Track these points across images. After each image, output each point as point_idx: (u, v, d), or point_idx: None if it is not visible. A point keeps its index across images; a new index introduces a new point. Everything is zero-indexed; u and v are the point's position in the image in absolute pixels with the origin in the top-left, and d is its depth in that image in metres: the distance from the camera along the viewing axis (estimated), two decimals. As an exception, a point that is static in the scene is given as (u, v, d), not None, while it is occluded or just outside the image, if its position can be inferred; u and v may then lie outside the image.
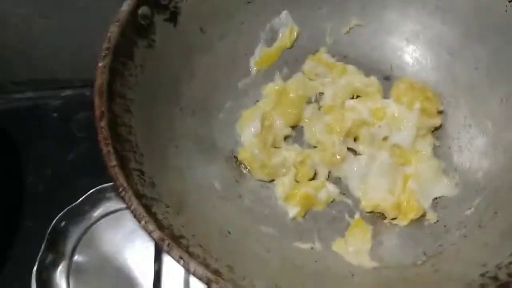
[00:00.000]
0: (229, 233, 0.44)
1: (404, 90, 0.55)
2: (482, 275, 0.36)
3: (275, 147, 0.54)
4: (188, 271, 0.32)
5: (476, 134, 0.52)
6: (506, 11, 0.48)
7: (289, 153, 0.52)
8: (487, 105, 0.51)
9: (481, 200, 0.46)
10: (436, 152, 0.53)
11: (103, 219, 0.69)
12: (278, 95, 0.56)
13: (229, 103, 0.56)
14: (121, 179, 0.37)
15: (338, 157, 0.51)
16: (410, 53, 0.58)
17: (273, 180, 0.53)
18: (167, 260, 0.58)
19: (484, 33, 0.51)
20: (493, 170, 0.48)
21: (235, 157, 0.54)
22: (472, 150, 0.51)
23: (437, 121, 0.53)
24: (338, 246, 0.47)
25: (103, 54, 0.43)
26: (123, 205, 0.59)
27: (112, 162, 0.37)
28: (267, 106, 0.55)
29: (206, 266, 0.33)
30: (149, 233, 0.34)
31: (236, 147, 0.54)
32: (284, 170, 0.52)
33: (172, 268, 0.58)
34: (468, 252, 0.41)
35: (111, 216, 0.69)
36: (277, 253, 0.45)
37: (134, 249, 0.64)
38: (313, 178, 0.53)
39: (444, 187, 0.50)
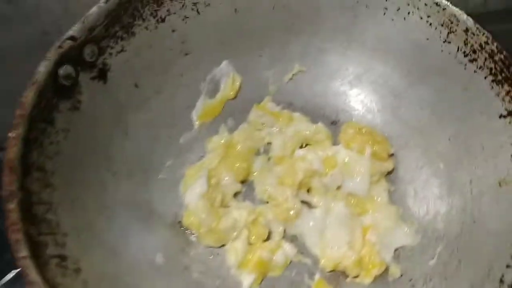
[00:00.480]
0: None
1: (353, 135, 0.53)
2: None
3: (224, 207, 0.49)
4: None
5: (430, 176, 0.50)
6: (442, 50, 0.49)
7: (240, 212, 0.48)
8: (436, 145, 0.51)
9: (443, 248, 0.44)
10: (392, 197, 0.51)
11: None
12: (224, 148, 0.52)
13: (170, 161, 0.52)
14: (33, 274, 0.30)
15: (292, 212, 0.48)
16: (355, 97, 0.57)
17: (223, 246, 0.48)
18: None
19: (425, 73, 0.52)
20: (451, 215, 0.46)
21: (179, 222, 0.48)
22: (427, 193, 0.50)
23: (389, 165, 0.52)
24: (299, 315, 0.42)
25: (15, 123, 0.37)
26: None
27: (22, 252, 0.31)
28: (213, 161, 0.51)
29: None
30: None
31: (180, 210, 0.49)
32: (235, 233, 0.47)
33: None
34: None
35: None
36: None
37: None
38: (267, 238, 0.48)
39: (404, 236, 0.47)
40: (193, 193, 0.48)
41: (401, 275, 0.44)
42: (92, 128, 0.44)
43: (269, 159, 0.54)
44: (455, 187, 0.48)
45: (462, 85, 0.48)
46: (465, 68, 0.48)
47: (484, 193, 0.44)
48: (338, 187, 0.50)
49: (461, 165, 0.48)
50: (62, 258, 0.34)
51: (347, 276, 0.46)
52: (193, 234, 0.48)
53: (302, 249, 0.48)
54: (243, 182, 0.52)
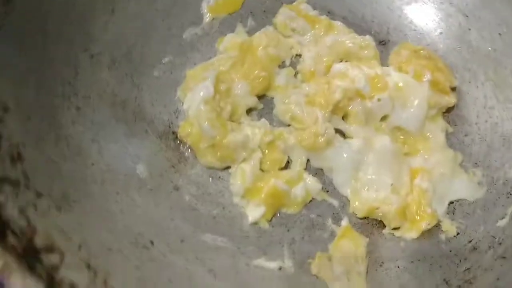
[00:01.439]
0: (152, 244, 0.28)
1: (408, 57, 0.41)
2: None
3: (232, 122, 0.38)
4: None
5: (502, 119, 0.39)
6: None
7: (254, 130, 0.36)
8: (515, 81, 0.39)
9: (519, 205, 0.33)
10: (450, 140, 0.39)
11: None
12: (240, 51, 0.40)
13: (168, 57, 0.40)
14: None
15: (321, 139, 0.36)
16: (412, 12, 0.46)
17: (227, 168, 0.37)
18: None
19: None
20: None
21: (174, 132, 0.37)
22: (498, 139, 0.38)
23: (451, 99, 0.40)
24: (318, 265, 0.33)
25: None
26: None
27: None
28: (224, 64, 0.39)
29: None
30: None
31: (175, 119, 0.38)
32: (244, 153, 0.36)
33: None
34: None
35: None
36: (226, 275, 0.29)
37: None
38: (285, 168, 0.37)
39: (464, 187, 0.37)
40: (195, 96, 0.37)
41: (457, 234, 0.33)
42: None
43: (296, 74, 0.42)
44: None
45: None
46: None
47: None
48: (384, 118, 0.39)
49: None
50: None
51: (384, 227, 0.35)
52: (190, 149, 0.37)
53: (328, 187, 0.37)
54: (260, 97, 0.40)
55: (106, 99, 0.35)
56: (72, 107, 0.32)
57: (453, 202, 0.37)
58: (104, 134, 0.33)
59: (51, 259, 0.20)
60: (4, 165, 0.22)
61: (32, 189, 0.23)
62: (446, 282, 0.31)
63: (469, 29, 0.43)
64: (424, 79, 0.40)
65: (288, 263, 0.33)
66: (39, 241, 0.20)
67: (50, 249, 0.20)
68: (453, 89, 0.42)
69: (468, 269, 0.31)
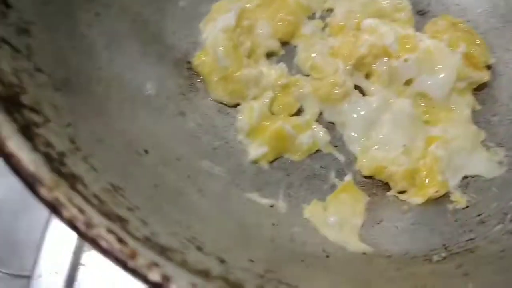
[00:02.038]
0: (146, 152, 0.27)
1: (445, 27, 0.39)
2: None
3: (251, 60, 0.37)
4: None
5: (535, 103, 0.36)
6: None
7: (270, 70, 0.35)
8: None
9: (538, 187, 0.30)
10: (476, 117, 0.37)
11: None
12: (270, -8, 0.39)
13: (197, -10, 0.39)
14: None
15: (338, 90, 0.35)
16: (459, -14, 0.42)
17: (237, 105, 0.36)
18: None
19: None
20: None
21: (189, 62, 0.36)
22: (527, 122, 0.35)
23: (484, 75, 0.37)
24: (312, 211, 0.31)
25: None
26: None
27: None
28: (252, 1, 0.38)
29: (49, 158, 0.16)
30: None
31: (193, 50, 0.38)
32: (256, 90, 0.34)
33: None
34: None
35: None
36: (215, 199, 0.28)
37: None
38: (296, 115, 0.36)
39: (482, 164, 0.34)
40: (215, 26, 0.35)
41: (467, 207, 0.31)
42: None
43: (324, 27, 0.40)
44: None
45: None
46: None
47: None
48: (409, 81, 0.37)
49: None
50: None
51: (389, 189, 0.33)
52: (202, 82, 0.36)
53: (338, 143, 0.35)
54: (283, 44, 0.39)
55: (127, 14, 0.34)
56: (92, 10, 0.31)
57: (467, 177, 0.34)
58: (118, 45, 0.32)
59: (33, 117, 0.19)
60: (7, 30, 0.22)
61: (32, 62, 0.23)
62: (445, 248, 0.29)
63: (515, 9, 0.40)
64: (458, 50, 0.37)
65: (281, 203, 0.32)
66: (25, 99, 0.20)
67: (36, 110, 0.20)
68: (488, 67, 0.39)
69: (471, 239, 0.29)
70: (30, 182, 0.16)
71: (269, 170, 0.34)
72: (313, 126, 0.35)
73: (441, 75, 0.37)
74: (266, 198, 0.31)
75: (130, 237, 0.16)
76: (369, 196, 0.33)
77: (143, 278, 0.15)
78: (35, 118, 0.19)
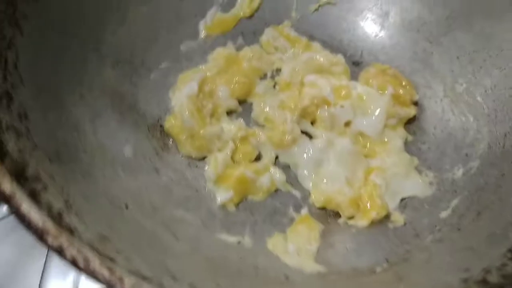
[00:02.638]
0: (126, 207, 0.33)
1: (375, 74, 0.47)
2: (465, 280, 0.25)
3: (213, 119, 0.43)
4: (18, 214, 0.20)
5: (456, 130, 0.43)
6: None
7: (229, 126, 0.42)
8: (468, 97, 0.44)
9: (460, 201, 0.37)
10: (409, 148, 0.44)
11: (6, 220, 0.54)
12: (227, 62, 0.47)
13: (165, 64, 0.47)
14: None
15: (288, 137, 0.41)
16: (384, 39, 0.51)
17: (204, 158, 0.42)
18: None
19: (470, 16, 0.44)
20: (475, 167, 0.39)
21: (161, 126, 0.43)
22: (450, 147, 0.42)
23: (411, 111, 0.45)
24: (274, 243, 0.36)
25: None
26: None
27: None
28: (211, 70, 0.45)
29: (52, 216, 0.21)
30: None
31: (164, 115, 0.45)
32: (219, 144, 0.41)
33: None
34: (442, 258, 0.31)
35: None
36: (188, 241, 0.33)
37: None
38: (256, 161, 0.42)
39: (416, 186, 0.41)
40: (181, 95, 0.43)
41: (405, 224, 0.37)
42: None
43: (274, 85, 0.48)
44: (485, 142, 0.40)
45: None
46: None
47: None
48: (347, 124, 0.44)
49: (494, 120, 0.41)
50: (7, 95, 0.29)
51: (339, 217, 0.39)
52: (173, 141, 0.42)
53: (293, 181, 0.42)
54: (241, 102, 0.46)
55: (106, 92, 0.41)
56: (77, 94, 0.38)
57: (405, 199, 0.40)
58: (100, 118, 0.39)
59: (36, 185, 0.25)
60: (12, 117, 0.28)
61: (31, 140, 0.29)
62: (387, 260, 0.34)
63: (432, 53, 0.49)
64: (386, 92, 0.45)
65: (247, 239, 0.37)
66: (29, 172, 0.26)
67: (37, 179, 0.26)
68: (415, 103, 0.47)
69: (407, 250, 0.35)
70: (40, 234, 0.21)
71: (236, 212, 0.39)
72: (270, 169, 0.41)
73: (374, 116, 0.44)
74: (233, 236, 0.37)
75: (118, 268, 0.21)
76: (323, 224, 0.39)
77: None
78: (37, 186, 0.25)
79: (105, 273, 0.20)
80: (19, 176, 0.24)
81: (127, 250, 0.25)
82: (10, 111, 0.29)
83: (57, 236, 0.21)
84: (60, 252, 0.21)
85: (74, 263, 0.20)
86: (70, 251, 0.21)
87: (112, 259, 0.23)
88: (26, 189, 0.23)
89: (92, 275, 0.20)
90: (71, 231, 0.23)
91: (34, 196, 0.23)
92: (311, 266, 0.34)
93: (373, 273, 0.33)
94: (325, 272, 0.34)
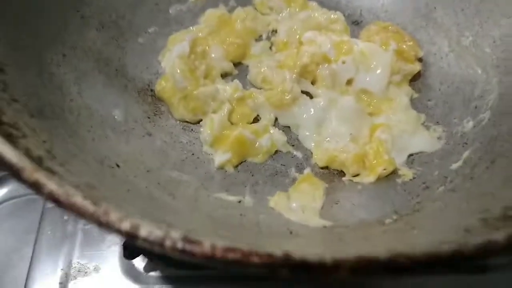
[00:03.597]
0: (118, 166, 0.31)
1: (377, 31, 0.45)
2: (484, 219, 0.24)
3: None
4: None
5: (464, 84, 0.41)
6: None
7: (225, 87, 0.40)
8: (476, 50, 0.42)
9: (472, 152, 0.36)
10: (415, 105, 0.43)
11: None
12: (219, 23, 0.45)
13: (153, 28, 0.45)
14: None
15: (288, 96, 0.40)
16: (385, -4, 0.49)
17: (199, 122, 0.40)
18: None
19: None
20: (486, 119, 0.37)
21: (152, 90, 0.41)
22: (458, 101, 0.41)
23: (415, 67, 0.43)
24: (276, 201, 0.35)
25: None
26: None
27: None
28: (202, 31, 0.44)
29: (30, 157, 0.19)
30: None
31: (155, 79, 0.43)
32: (214, 105, 0.39)
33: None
34: (458, 205, 0.30)
35: (11, 202, 0.53)
36: (186, 200, 0.31)
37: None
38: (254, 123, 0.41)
39: (424, 141, 0.39)
40: (171, 55, 0.41)
41: (413, 178, 0.35)
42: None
43: (271, 46, 0.46)
44: (495, 92, 0.39)
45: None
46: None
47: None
48: (349, 81, 0.42)
49: (504, 70, 0.39)
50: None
51: (344, 175, 0.37)
52: (165, 105, 0.41)
53: (294, 142, 0.40)
54: (236, 65, 0.44)
55: (90, 54, 0.39)
56: (59, 53, 0.36)
57: (412, 155, 0.39)
58: (85, 80, 0.37)
59: (12, 131, 0.23)
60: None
61: (8, 93, 0.27)
62: (396, 212, 0.33)
63: (435, 8, 0.47)
64: (390, 48, 0.43)
65: (248, 199, 0.35)
66: (5, 119, 0.24)
67: (14, 127, 0.24)
68: (420, 60, 0.45)
69: (418, 202, 0.33)
70: (14, 170, 0.19)
71: (235, 173, 0.38)
72: (270, 130, 0.40)
73: (377, 72, 0.42)
74: (233, 196, 0.35)
75: (103, 202, 0.19)
76: (327, 183, 0.37)
77: (115, 230, 0.18)
78: (14, 132, 0.23)
79: (88, 206, 0.19)
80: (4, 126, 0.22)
81: (117, 200, 0.23)
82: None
83: (33, 171, 0.19)
84: (37, 187, 0.19)
85: (52, 197, 0.19)
86: (50, 186, 0.19)
87: (96, 199, 0.21)
88: (0, 131, 0.21)
89: (74, 209, 0.18)
90: (51, 172, 0.21)
91: (10, 139, 0.21)
92: (315, 221, 0.33)
93: (382, 224, 0.31)
94: (331, 225, 0.32)
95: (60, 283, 0.42)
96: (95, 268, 0.42)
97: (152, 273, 0.40)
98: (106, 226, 0.18)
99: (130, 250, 0.36)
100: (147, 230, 0.18)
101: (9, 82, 0.28)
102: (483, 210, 0.26)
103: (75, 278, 0.42)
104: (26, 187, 0.19)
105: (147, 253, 0.38)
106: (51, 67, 0.35)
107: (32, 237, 0.50)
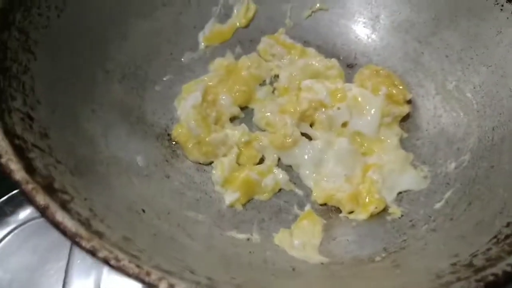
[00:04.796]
0: (144, 211, 0.36)
1: (369, 76, 0.50)
2: (454, 264, 0.29)
3: (218, 126, 0.46)
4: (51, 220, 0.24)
5: (448, 126, 0.46)
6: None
7: (233, 132, 0.45)
8: (458, 94, 0.47)
9: (453, 192, 0.41)
10: (404, 144, 0.47)
11: (28, 224, 0.58)
12: (227, 71, 0.50)
13: (169, 76, 0.50)
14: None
15: (289, 139, 0.45)
16: (376, 41, 0.54)
17: (211, 163, 0.45)
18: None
19: (455, 16, 0.47)
20: (466, 161, 0.42)
21: (169, 134, 0.46)
22: (443, 143, 0.45)
23: (404, 109, 0.48)
24: (281, 238, 0.39)
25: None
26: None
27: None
28: (212, 80, 0.49)
29: (82, 223, 0.25)
30: (8, 173, 0.25)
31: (171, 124, 0.48)
32: (224, 149, 0.44)
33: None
34: (436, 246, 0.34)
35: (38, 221, 0.58)
36: (202, 240, 0.36)
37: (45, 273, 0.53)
38: (260, 164, 0.45)
39: (411, 180, 0.44)
40: (186, 104, 0.46)
41: (402, 216, 0.40)
42: (91, 18, 0.43)
43: (273, 90, 0.51)
44: (475, 136, 0.43)
45: (497, 29, 0.44)
46: (501, 10, 0.44)
47: (506, 139, 0.40)
48: (344, 124, 0.47)
49: (483, 115, 0.44)
50: (29, 117, 0.33)
51: (340, 212, 0.42)
52: (181, 148, 0.46)
53: (296, 180, 0.45)
54: (243, 108, 0.49)
55: (115, 105, 0.44)
56: (89, 109, 0.41)
57: (401, 192, 0.43)
58: (111, 131, 0.42)
59: (64, 196, 0.28)
60: (35, 137, 0.31)
61: (54, 157, 0.32)
62: (385, 249, 0.37)
63: (422, 53, 0.52)
64: (380, 93, 0.48)
65: (255, 236, 0.40)
66: (56, 185, 0.29)
67: (64, 192, 0.29)
68: (409, 102, 0.50)
69: (404, 240, 0.38)
70: (74, 239, 0.24)
71: (243, 211, 0.43)
72: (274, 170, 0.45)
73: (369, 115, 0.47)
74: (242, 233, 0.40)
75: (144, 264, 0.24)
76: (326, 219, 0.42)
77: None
78: (65, 197, 0.28)
79: (134, 268, 0.24)
80: (49, 189, 0.27)
81: (148, 249, 0.28)
82: (33, 131, 0.32)
83: (89, 239, 0.24)
84: (93, 253, 0.24)
85: (106, 262, 0.24)
86: (102, 252, 0.24)
87: (137, 257, 0.26)
88: (57, 201, 0.26)
89: (122, 271, 0.23)
90: (100, 234, 0.26)
91: (64, 206, 0.26)
92: (315, 258, 0.37)
93: (372, 261, 0.36)
94: (328, 262, 0.37)
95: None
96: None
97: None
98: (148, 285, 0.23)
99: None
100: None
101: (53, 145, 0.33)
102: (455, 254, 0.30)
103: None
104: (84, 252, 0.24)
105: None
106: (82, 123, 0.40)
107: (55, 255, 0.55)
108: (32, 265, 0.55)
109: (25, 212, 0.59)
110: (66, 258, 0.51)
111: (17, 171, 0.26)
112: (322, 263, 0.37)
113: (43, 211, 0.25)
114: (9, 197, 0.57)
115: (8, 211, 0.58)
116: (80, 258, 0.47)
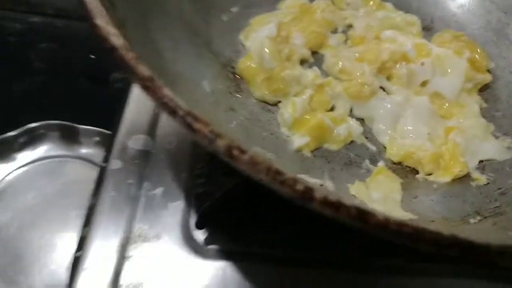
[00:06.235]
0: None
1: (449, 39, 0.45)
2: None
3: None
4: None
5: (531, 99, 0.42)
6: None
7: (307, 72, 0.40)
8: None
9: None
10: (483, 113, 0.43)
11: (35, 164, 0.54)
12: (300, 10, 0.44)
13: (236, 8, 0.45)
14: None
15: (367, 89, 0.39)
16: (457, 7, 0.49)
17: (277, 103, 0.40)
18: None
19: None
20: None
21: (233, 67, 0.41)
22: (528, 116, 0.41)
23: (487, 77, 0.43)
24: (357, 189, 0.35)
25: None
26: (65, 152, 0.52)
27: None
28: (286, 17, 0.43)
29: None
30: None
31: (236, 57, 0.42)
32: (297, 88, 0.39)
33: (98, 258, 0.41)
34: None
35: (46, 162, 0.54)
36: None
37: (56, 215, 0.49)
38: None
39: (494, 150, 0.39)
40: (258, 36, 0.40)
41: (488, 183, 0.36)
42: None
43: (346, 40, 0.46)
44: None
45: None
46: None
47: None
48: (424, 83, 0.42)
49: None
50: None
51: (417, 173, 0.37)
52: (245, 83, 0.40)
53: (368, 135, 0.40)
54: (313, 54, 0.44)
55: (184, 24, 0.39)
56: (159, 21, 0.36)
57: (482, 161, 0.39)
58: (180, 48, 0.37)
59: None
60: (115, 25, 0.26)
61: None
62: (477, 213, 0.33)
63: (508, 24, 0.47)
64: (463, 56, 0.43)
65: (329, 183, 0.35)
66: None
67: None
68: (488, 71, 0.45)
69: (498, 206, 0.33)
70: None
71: (312, 158, 0.38)
72: (349, 120, 0.39)
73: (452, 77, 0.42)
74: (315, 178, 0.35)
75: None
76: (402, 179, 0.37)
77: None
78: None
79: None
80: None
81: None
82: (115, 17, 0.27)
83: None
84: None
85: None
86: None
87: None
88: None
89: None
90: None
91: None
92: (400, 213, 0.33)
93: (467, 223, 0.31)
94: (416, 219, 0.32)
95: (120, 246, 0.42)
96: (156, 235, 0.42)
97: (212, 246, 0.40)
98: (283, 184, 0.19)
99: (204, 219, 0.36)
100: (322, 194, 0.18)
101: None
102: None
103: (135, 242, 0.42)
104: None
105: (213, 225, 0.38)
106: (153, 34, 0.34)
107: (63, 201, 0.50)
108: (35, 208, 0.50)
109: (36, 151, 0.55)
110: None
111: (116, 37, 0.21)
112: (410, 219, 0.32)
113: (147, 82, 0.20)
114: (24, 131, 0.53)
115: (16, 146, 0.53)
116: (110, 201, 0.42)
